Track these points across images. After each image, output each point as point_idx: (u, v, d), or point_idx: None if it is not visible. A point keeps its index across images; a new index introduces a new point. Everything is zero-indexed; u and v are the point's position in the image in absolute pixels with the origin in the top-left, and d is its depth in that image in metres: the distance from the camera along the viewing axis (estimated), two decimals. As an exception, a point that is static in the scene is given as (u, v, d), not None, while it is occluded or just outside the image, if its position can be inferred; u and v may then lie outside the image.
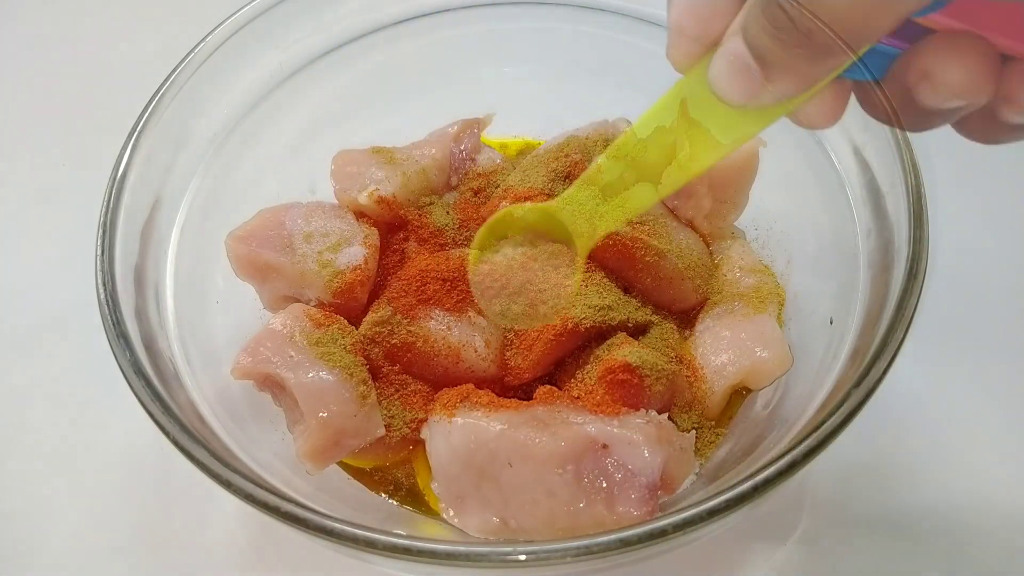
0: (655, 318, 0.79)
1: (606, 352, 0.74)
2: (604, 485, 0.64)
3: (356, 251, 0.77)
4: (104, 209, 0.69)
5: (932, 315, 0.83)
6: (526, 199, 0.79)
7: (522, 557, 0.52)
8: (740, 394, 0.78)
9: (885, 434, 0.82)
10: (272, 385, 0.71)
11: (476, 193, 0.86)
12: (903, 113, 0.44)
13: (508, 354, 0.76)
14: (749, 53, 0.42)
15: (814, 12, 0.38)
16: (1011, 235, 0.96)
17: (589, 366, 0.74)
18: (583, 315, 0.74)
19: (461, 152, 0.88)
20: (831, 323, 0.71)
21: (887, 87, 0.43)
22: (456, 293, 0.75)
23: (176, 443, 0.58)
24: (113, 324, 0.63)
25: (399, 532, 0.54)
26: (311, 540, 0.56)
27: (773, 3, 0.39)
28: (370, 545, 0.53)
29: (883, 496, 0.80)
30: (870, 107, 0.45)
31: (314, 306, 0.77)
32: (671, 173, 0.53)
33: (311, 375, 0.69)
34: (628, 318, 0.77)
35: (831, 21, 0.38)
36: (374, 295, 0.79)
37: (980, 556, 0.77)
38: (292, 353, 0.70)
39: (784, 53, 0.40)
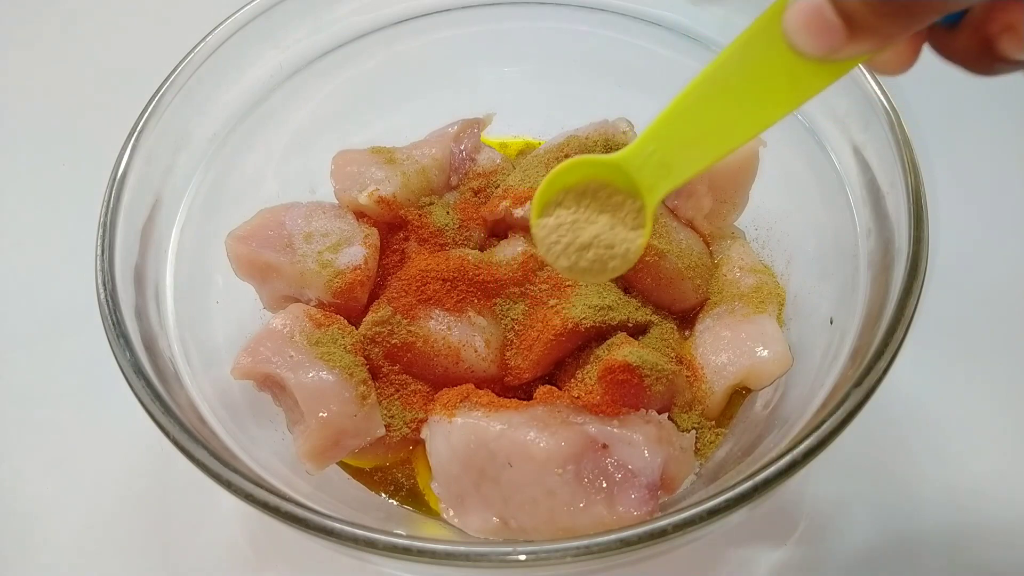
0: (655, 318, 0.79)
1: (606, 352, 0.74)
2: (604, 485, 0.64)
3: (356, 251, 0.77)
4: (104, 209, 0.69)
5: (932, 315, 0.83)
6: (526, 200, 0.79)
7: (522, 557, 0.52)
8: (740, 394, 0.78)
9: (885, 434, 0.82)
10: (272, 385, 0.71)
11: (476, 193, 0.86)
12: (978, 60, 0.43)
13: (508, 354, 0.76)
14: (832, 8, 0.40)
15: None
16: (1011, 235, 0.96)
17: (589, 366, 0.74)
18: (583, 315, 0.74)
19: (461, 152, 0.88)
20: (831, 323, 0.71)
21: (965, 34, 0.42)
22: (456, 293, 0.75)
23: (176, 443, 0.58)
24: (113, 324, 0.63)
25: (399, 532, 0.54)
26: (311, 540, 0.56)
27: None
28: (370, 545, 0.53)
29: (883, 496, 0.80)
30: (943, 49, 0.44)
31: (314, 306, 0.77)
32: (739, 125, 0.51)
33: (311, 375, 0.69)
34: (628, 318, 0.77)
35: None
36: (374, 295, 0.79)
37: (981, 556, 0.77)
38: (292, 353, 0.70)
39: (872, 15, 0.39)
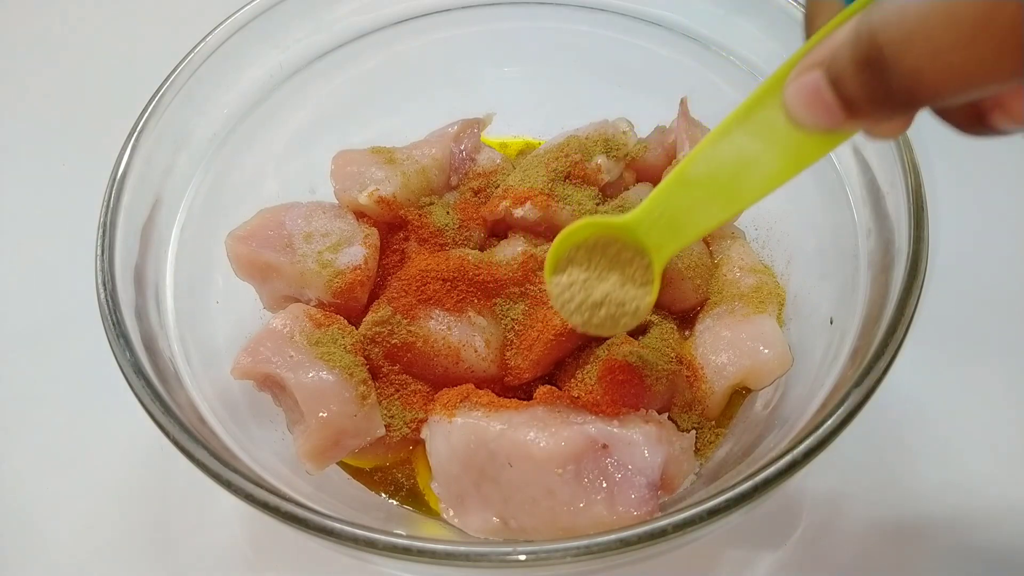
0: (655, 318, 0.79)
1: (606, 352, 0.74)
2: (604, 485, 0.64)
3: (356, 251, 0.77)
4: (104, 209, 0.69)
5: (932, 315, 0.83)
6: (526, 200, 0.79)
7: (522, 557, 0.52)
8: (740, 394, 0.78)
9: (885, 434, 0.82)
10: (272, 385, 0.71)
11: (476, 193, 0.86)
12: (970, 125, 0.44)
13: (508, 354, 0.76)
14: (830, 89, 0.41)
15: (908, 69, 0.37)
16: (1011, 235, 0.96)
17: (589, 366, 0.74)
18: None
19: (461, 152, 0.88)
20: (831, 323, 0.71)
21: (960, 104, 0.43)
22: (456, 293, 0.75)
23: (176, 443, 0.58)
24: (113, 324, 0.63)
25: (399, 532, 0.54)
26: (311, 540, 0.56)
27: (866, 52, 0.38)
28: (370, 545, 0.53)
29: (883, 496, 0.80)
30: (938, 110, 0.44)
31: (314, 306, 0.77)
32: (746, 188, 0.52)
33: (311, 375, 0.69)
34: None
35: (925, 79, 0.37)
36: (374, 295, 0.79)
37: (980, 556, 0.77)
38: (292, 353, 0.70)
39: (868, 102, 0.40)
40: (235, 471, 0.57)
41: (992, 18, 0.34)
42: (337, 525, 0.54)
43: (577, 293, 0.60)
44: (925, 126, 0.86)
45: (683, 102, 0.82)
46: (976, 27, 0.34)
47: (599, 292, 0.60)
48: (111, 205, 0.69)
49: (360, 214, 0.82)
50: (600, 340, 0.75)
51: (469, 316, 0.75)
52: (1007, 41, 0.34)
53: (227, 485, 0.56)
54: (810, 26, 0.45)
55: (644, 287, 0.59)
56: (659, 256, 0.58)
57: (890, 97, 0.38)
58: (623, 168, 0.85)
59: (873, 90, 0.39)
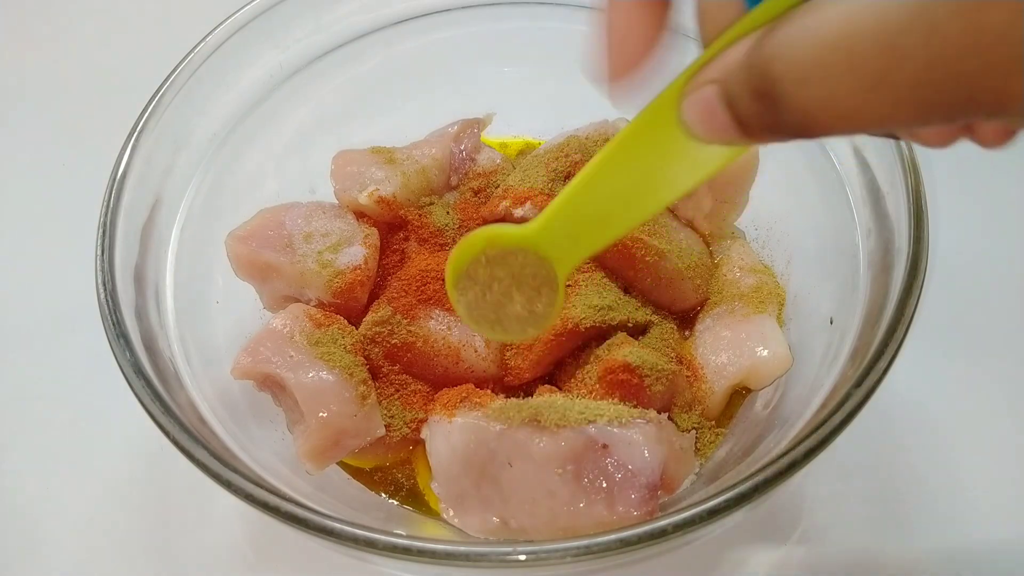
0: (655, 318, 0.79)
1: (606, 352, 0.74)
2: (604, 485, 0.64)
3: (356, 251, 0.77)
4: (104, 209, 0.69)
5: (932, 315, 0.83)
6: (526, 200, 0.79)
7: (522, 557, 0.52)
8: (740, 394, 0.78)
9: (885, 434, 0.82)
10: (272, 385, 0.71)
11: (476, 193, 0.86)
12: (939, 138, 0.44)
13: (508, 354, 0.76)
14: (724, 109, 0.40)
15: (800, 108, 0.36)
16: (1011, 235, 0.96)
17: (589, 366, 0.74)
18: (583, 315, 0.74)
19: (461, 152, 0.88)
20: (831, 323, 0.71)
21: None
22: (456, 293, 0.75)
23: (176, 443, 0.58)
24: (113, 324, 0.63)
25: (399, 532, 0.54)
26: (311, 540, 0.56)
27: (758, 84, 0.37)
28: (370, 545, 0.53)
29: (883, 496, 0.80)
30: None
31: (314, 306, 0.77)
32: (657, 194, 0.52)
33: (311, 375, 0.69)
34: (628, 318, 0.77)
35: (819, 120, 0.36)
36: (374, 295, 0.79)
37: (981, 555, 0.77)
38: (292, 353, 0.70)
39: (761, 129, 0.39)
40: (235, 471, 0.57)
41: (895, 69, 0.32)
42: (337, 525, 0.54)
43: (486, 312, 0.59)
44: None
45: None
46: (877, 78, 0.33)
47: (506, 310, 0.58)
48: (111, 205, 0.69)
49: (360, 214, 0.82)
50: (600, 340, 0.75)
51: (469, 316, 0.75)
52: (908, 94, 0.33)
53: (227, 485, 0.56)
54: (702, 29, 0.43)
55: (551, 296, 0.57)
56: (562, 268, 0.56)
57: (782, 129, 0.37)
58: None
59: (764, 120, 0.38)
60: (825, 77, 0.34)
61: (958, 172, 0.95)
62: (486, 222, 0.84)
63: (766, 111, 0.37)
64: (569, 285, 0.77)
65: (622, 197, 0.50)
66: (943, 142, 0.44)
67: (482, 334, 0.60)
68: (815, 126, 0.36)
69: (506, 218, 0.82)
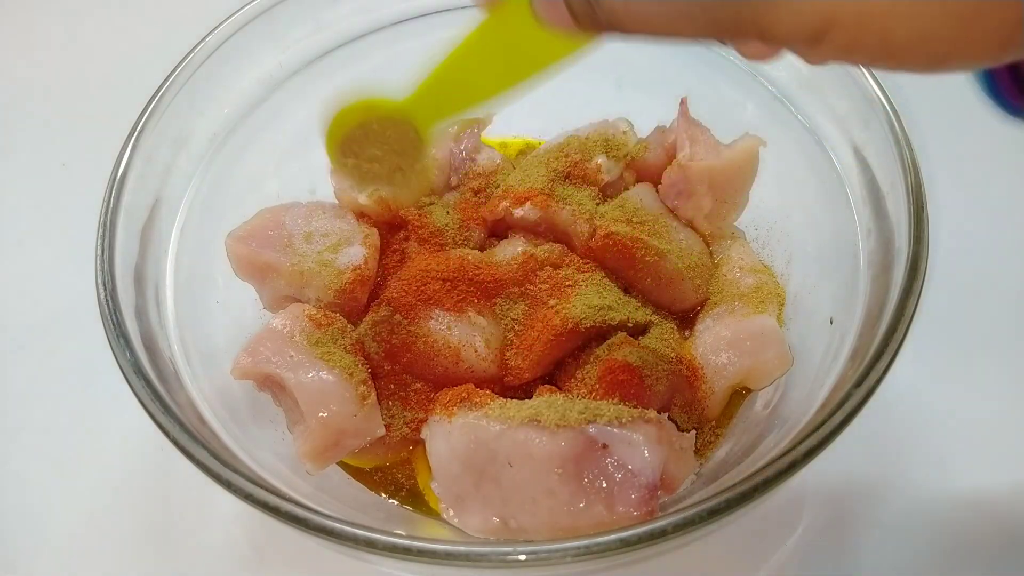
0: (655, 318, 0.79)
1: (606, 352, 0.74)
2: (604, 485, 0.64)
3: (356, 251, 0.77)
4: (104, 209, 0.69)
5: (932, 315, 0.83)
6: (526, 200, 0.79)
7: (522, 557, 0.52)
8: (740, 394, 0.78)
9: (885, 433, 0.82)
10: (272, 385, 0.71)
11: (476, 193, 0.86)
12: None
13: (508, 354, 0.76)
14: (564, 4, 0.47)
15: (607, 8, 0.44)
16: (1012, 235, 0.96)
17: (589, 366, 0.74)
18: (583, 315, 0.74)
19: (461, 152, 0.88)
20: (831, 323, 0.71)
21: None
22: (456, 293, 0.75)
23: (176, 443, 0.58)
24: (113, 324, 0.63)
25: (399, 532, 0.54)
26: (311, 540, 0.56)
27: None
28: (370, 545, 0.53)
29: (883, 495, 0.80)
30: None
31: (314, 306, 0.76)
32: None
33: (311, 375, 0.69)
34: (628, 318, 0.77)
35: (622, 22, 0.45)
36: (374, 295, 0.79)
37: (981, 555, 0.77)
38: (292, 353, 0.70)
39: (588, 24, 0.46)
40: (235, 471, 0.57)
41: None
42: (337, 525, 0.54)
43: (365, 172, 0.68)
44: (925, 125, 0.86)
45: (683, 102, 0.82)
46: None
47: (382, 163, 0.67)
48: (111, 205, 0.69)
49: (360, 214, 0.82)
50: (600, 340, 0.75)
51: (469, 316, 0.75)
52: (689, 12, 0.42)
53: (227, 485, 0.56)
54: None
55: (416, 153, 0.66)
56: (425, 126, 0.64)
57: (599, 24, 0.46)
58: (623, 168, 0.85)
59: (588, 15, 0.46)
60: None
61: (958, 172, 0.95)
62: (486, 222, 0.84)
63: (589, 8, 0.45)
64: (569, 285, 0.77)
65: (486, 72, 0.58)
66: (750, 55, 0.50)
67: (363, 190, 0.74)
68: (620, 25, 0.45)
69: (506, 218, 0.82)
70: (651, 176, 0.86)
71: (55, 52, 1.22)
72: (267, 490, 0.56)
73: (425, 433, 0.71)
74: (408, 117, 0.63)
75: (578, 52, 0.54)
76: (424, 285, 0.75)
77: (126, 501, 0.82)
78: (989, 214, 0.98)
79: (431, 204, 0.84)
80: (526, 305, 0.77)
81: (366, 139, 0.66)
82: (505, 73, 0.58)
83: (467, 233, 0.82)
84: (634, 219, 0.79)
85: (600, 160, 0.83)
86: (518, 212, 0.80)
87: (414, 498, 0.76)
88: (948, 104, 1.00)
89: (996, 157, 1.01)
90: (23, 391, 0.91)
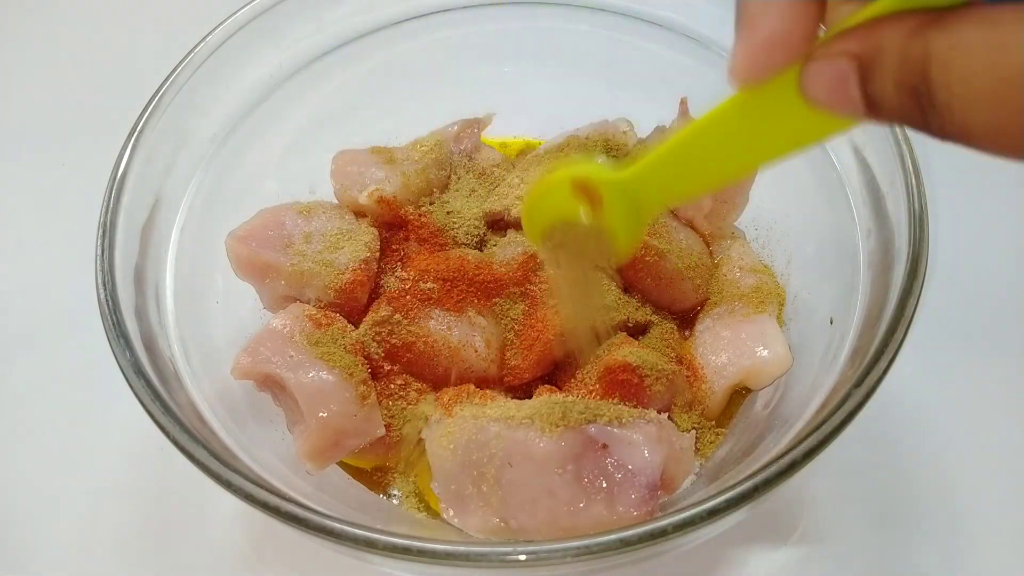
0: (655, 318, 0.79)
1: (606, 352, 0.74)
2: (604, 485, 0.64)
3: (356, 251, 0.77)
4: (104, 209, 0.69)
5: (932, 315, 0.83)
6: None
7: (522, 557, 0.52)
8: (740, 394, 0.78)
9: (885, 434, 0.82)
10: (272, 385, 0.71)
11: (476, 192, 0.86)
12: None
13: (508, 354, 0.76)
14: (858, 86, 0.39)
15: (956, 122, 0.35)
16: (1011, 235, 0.96)
17: (589, 366, 0.74)
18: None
19: (461, 152, 0.88)
20: (831, 323, 0.71)
21: None
22: (456, 293, 0.75)
23: (176, 443, 0.58)
24: (113, 324, 0.63)
25: (399, 532, 0.54)
26: (311, 540, 0.56)
27: (912, 81, 0.36)
28: (370, 545, 0.53)
29: (883, 495, 0.80)
30: None
31: (314, 306, 0.76)
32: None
33: (311, 375, 0.69)
34: (628, 318, 0.77)
35: (971, 135, 0.35)
36: (374, 295, 0.79)
37: (982, 554, 0.77)
38: (292, 353, 0.70)
39: (898, 117, 0.38)
40: (235, 471, 0.57)
41: None
42: (337, 525, 0.53)
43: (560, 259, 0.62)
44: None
45: (683, 102, 0.82)
46: None
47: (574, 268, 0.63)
48: (111, 205, 0.69)
49: (360, 214, 0.82)
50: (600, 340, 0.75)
51: (469, 316, 0.75)
52: None
53: (227, 485, 0.56)
54: None
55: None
56: (647, 211, 0.56)
57: (926, 127, 0.37)
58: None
59: (905, 113, 0.37)
60: (997, 109, 0.33)
61: (958, 172, 0.95)
62: (488, 221, 0.84)
63: (910, 106, 0.36)
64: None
65: (724, 153, 0.49)
66: None
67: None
68: (968, 140, 0.36)
69: (505, 218, 0.82)
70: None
71: (54, 53, 1.22)
72: (267, 490, 0.56)
73: (425, 433, 0.71)
74: (626, 193, 0.55)
75: (840, 131, 0.47)
76: (424, 285, 0.75)
77: (125, 502, 0.82)
78: (989, 214, 0.98)
79: (431, 204, 0.83)
80: (526, 305, 0.77)
81: (566, 236, 0.60)
82: (746, 155, 0.49)
83: (467, 233, 0.82)
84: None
85: (600, 160, 0.83)
86: (518, 211, 0.80)
87: (414, 498, 0.76)
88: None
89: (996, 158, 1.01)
90: (21, 392, 0.91)
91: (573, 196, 0.57)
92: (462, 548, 0.53)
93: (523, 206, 0.60)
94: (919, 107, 0.36)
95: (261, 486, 0.57)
